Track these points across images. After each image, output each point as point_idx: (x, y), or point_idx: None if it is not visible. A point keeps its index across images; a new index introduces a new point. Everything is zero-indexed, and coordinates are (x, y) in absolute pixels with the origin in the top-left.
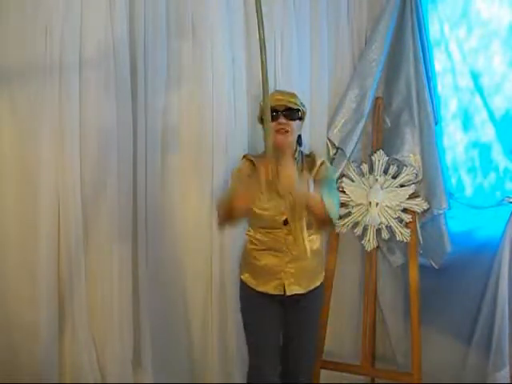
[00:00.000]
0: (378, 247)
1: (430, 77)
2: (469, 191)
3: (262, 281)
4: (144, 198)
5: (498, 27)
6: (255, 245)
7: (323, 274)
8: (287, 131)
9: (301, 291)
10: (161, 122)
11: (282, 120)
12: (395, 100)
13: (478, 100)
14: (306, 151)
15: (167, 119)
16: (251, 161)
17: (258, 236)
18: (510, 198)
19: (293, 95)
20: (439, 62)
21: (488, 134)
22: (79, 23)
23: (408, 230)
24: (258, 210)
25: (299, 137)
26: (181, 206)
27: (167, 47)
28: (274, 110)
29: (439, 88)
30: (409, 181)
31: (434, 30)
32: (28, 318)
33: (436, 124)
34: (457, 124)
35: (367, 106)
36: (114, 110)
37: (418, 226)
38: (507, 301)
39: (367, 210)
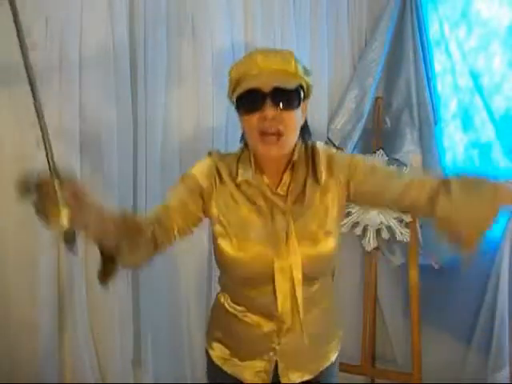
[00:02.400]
0: (377, 247)
1: (429, 77)
2: None
3: (239, 361)
4: (144, 197)
5: (498, 27)
6: (230, 305)
7: (338, 340)
8: (280, 135)
9: (305, 377)
10: (161, 122)
11: (270, 111)
12: (395, 100)
13: (477, 100)
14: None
15: (167, 119)
16: (215, 164)
17: (235, 294)
18: None
19: (287, 59)
20: (439, 62)
21: (488, 133)
22: (79, 23)
23: (408, 230)
24: (232, 255)
25: (304, 126)
26: None
27: (167, 47)
28: (252, 91)
29: (439, 88)
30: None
31: (434, 29)
32: (28, 317)
33: (436, 124)
34: (457, 124)
35: (367, 106)
36: (114, 110)
37: (417, 226)
38: (507, 301)
39: (367, 210)
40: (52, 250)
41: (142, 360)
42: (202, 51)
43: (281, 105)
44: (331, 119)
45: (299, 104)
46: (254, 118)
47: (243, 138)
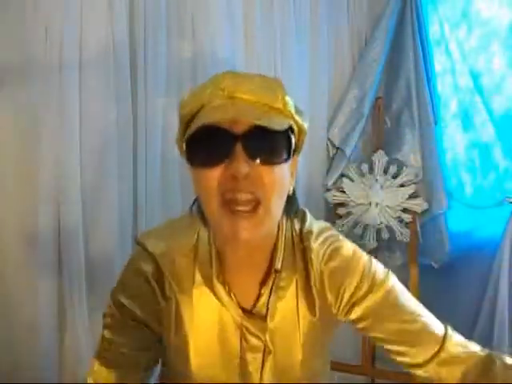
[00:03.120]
0: (377, 247)
1: (430, 77)
2: (469, 191)
3: None
4: (144, 197)
5: (498, 27)
6: None
7: None
8: (255, 202)
9: None
10: (161, 122)
11: (243, 163)
12: (395, 100)
13: (477, 100)
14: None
15: (167, 119)
16: (154, 259)
17: None
18: (510, 197)
19: (271, 87)
20: (439, 62)
21: (488, 133)
22: (79, 23)
23: (408, 230)
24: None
25: (291, 199)
26: (182, 205)
27: (167, 47)
28: (214, 130)
29: (439, 88)
30: (409, 181)
31: (433, 29)
32: (28, 317)
33: (436, 124)
34: (457, 124)
35: (367, 106)
36: (114, 110)
37: (417, 225)
38: (507, 301)
39: (367, 209)
40: (53, 250)
41: None
42: (202, 51)
43: (260, 156)
44: (331, 119)
45: (289, 155)
46: (215, 175)
47: (197, 202)
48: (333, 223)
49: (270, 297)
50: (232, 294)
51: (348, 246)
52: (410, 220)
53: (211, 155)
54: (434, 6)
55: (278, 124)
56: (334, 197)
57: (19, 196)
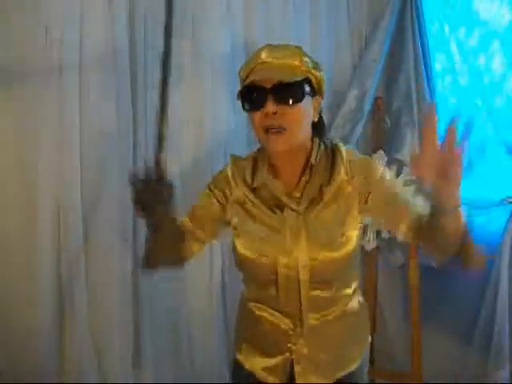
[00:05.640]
0: (377, 247)
1: (430, 77)
2: (469, 191)
3: (257, 356)
4: None
5: (498, 27)
6: (249, 301)
7: (362, 348)
8: (284, 129)
9: (320, 381)
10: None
11: (271, 107)
12: (395, 100)
13: (477, 100)
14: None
15: (167, 119)
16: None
17: (250, 290)
18: (510, 198)
19: (293, 52)
20: (439, 62)
21: (488, 133)
22: (79, 23)
23: None
24: (241, 253)
25: (319, 122)
26: (182, 205)
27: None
28: (254, 87)
29: (439, 88)
30: (409, 181)
31: (434, 29)
32: (28, 318)
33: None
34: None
35: (367, 106)
36: (114, 110)
37: None
38: (507, 301)
39: None
40: (53, 251)
41: (142, 360)
42: (203, 51)
43: (282, 100)
44: (331, 119)
45: (303, 97)
46: (257, 115)
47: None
48: None
49: (305, 184)
50: (280, 186)
51: (360, 158)
52: None
53: (254, 104)
54: (433, 6)
55: (295, 77)
56: None
57: (19, 197)
